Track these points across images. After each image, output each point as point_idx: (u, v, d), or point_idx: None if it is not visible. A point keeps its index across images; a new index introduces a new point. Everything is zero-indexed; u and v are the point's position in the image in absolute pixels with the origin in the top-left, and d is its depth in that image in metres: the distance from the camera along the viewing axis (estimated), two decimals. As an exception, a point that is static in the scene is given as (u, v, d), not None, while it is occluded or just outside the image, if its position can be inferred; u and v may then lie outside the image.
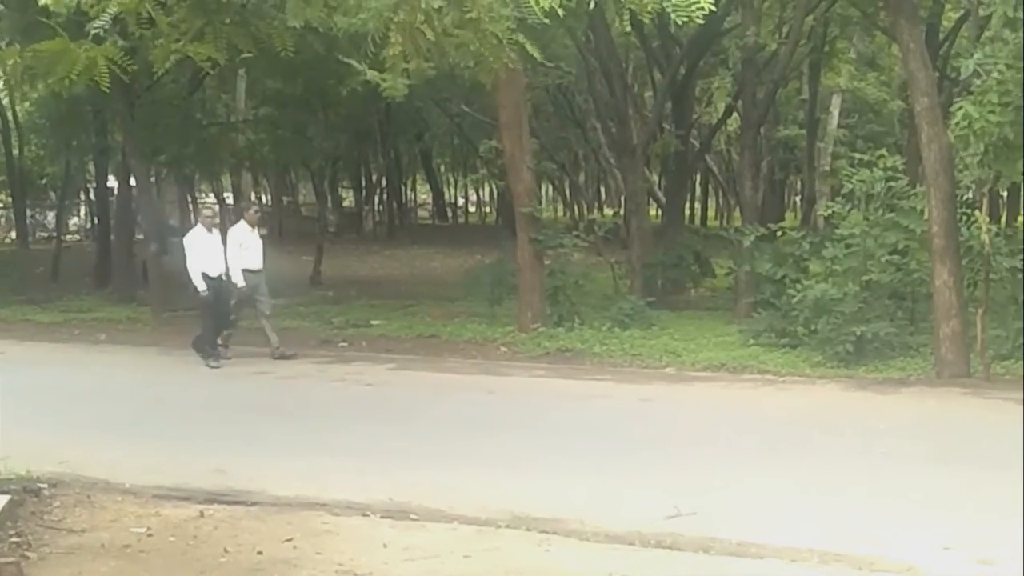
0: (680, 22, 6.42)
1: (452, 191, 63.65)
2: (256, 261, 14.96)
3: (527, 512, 7.59)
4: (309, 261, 26.34)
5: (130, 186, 23.44)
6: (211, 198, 43.23)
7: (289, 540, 7.02)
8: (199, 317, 14.91)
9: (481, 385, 13.20)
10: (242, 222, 15.44)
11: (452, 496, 8.01)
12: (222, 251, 14.59)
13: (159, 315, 19.06)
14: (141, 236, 23.58)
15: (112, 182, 27.02)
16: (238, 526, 7.38)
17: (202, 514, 7.63)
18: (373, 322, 18.52)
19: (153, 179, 24.67)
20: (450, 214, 58.81)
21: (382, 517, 7.61)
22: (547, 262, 17.60)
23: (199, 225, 15.04)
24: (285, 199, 48.34)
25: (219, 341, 14.74)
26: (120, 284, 22.57)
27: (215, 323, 14.63)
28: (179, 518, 7.56)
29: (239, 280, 14.64)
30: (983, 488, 8.20)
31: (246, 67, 21.57)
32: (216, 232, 14.78)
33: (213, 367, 14.18)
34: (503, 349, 16.01)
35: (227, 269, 14.60)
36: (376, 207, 51.02)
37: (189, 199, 39.16)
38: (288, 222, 42.83)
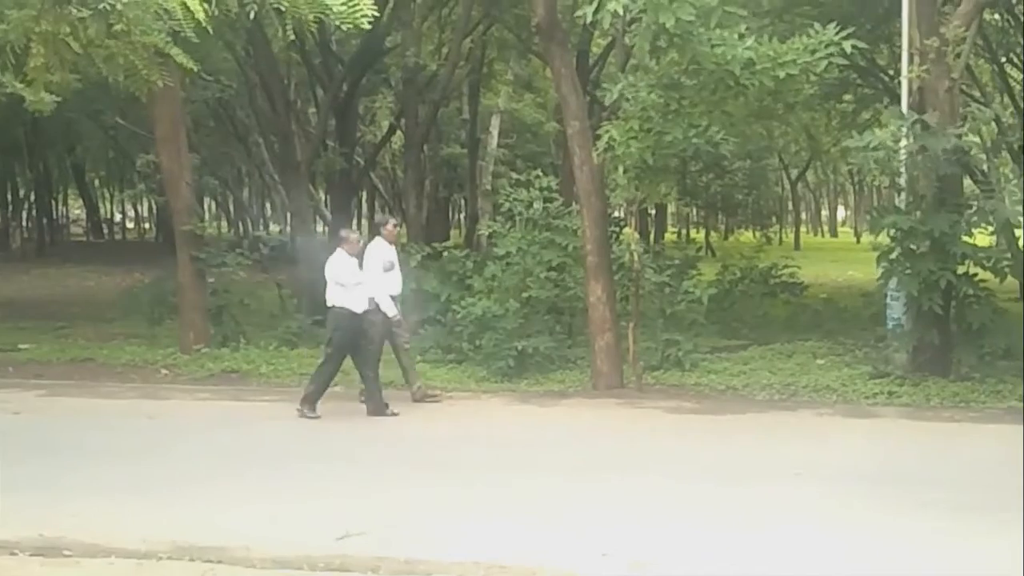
0: (345, 29, 6.45)
1: (108, 206, 61.00)
2: (396, 286, 12.63)
3: (190, 541, 7.32)
4: (-53, 282, 24.56)
5: None
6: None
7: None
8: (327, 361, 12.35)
9: (141, 410, 12.68)
10: (378, 239, 12.82)
11: (109, 528, 7.62)
12: (366, 281, 12.20)
13: None
14: None
15: None
16: None
17: None
18: (21, 346, 17.43)
19: None
20: (106, 230, 56.33)
21: (32, 555, 7.13)
22: (210, 280, 17.15)
23: (339, 251, 12.23)
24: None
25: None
26: None
27: (335, 370, 12.36)
28: None
29: (390, 309, 12.26)
30: (636, 494, 8.65)
31: None
32: (355, 259, 12.25)
33: (313, 417, 11.89)
34: (164, 372, 15.47)
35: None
36: (24, 223, 48.18)
37: None
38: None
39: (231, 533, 7.51)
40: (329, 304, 12.17)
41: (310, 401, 12.06)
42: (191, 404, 13.27)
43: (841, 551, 7.13)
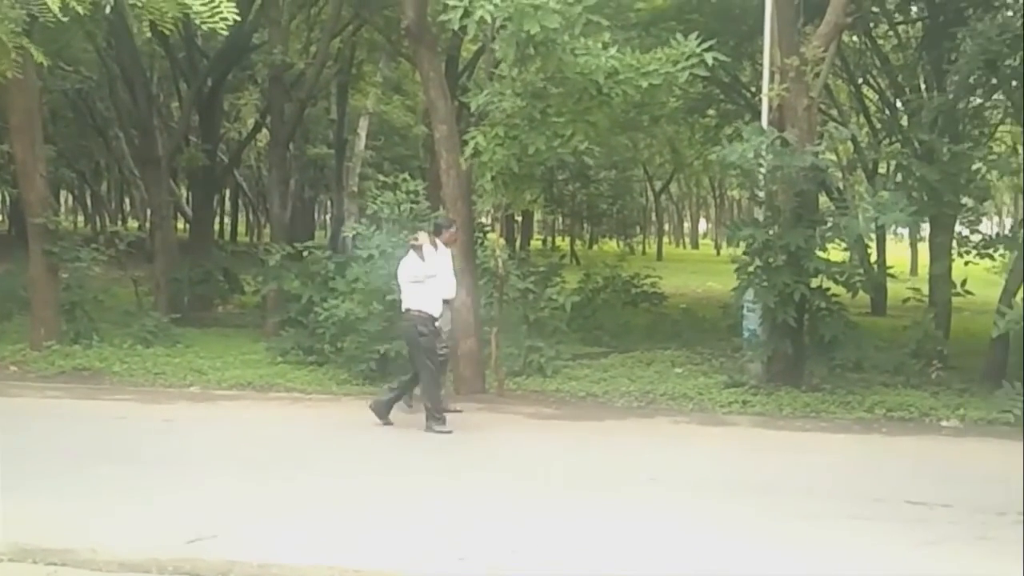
0: (206, 29, 6.33)
1: (-43, 197, 58.75)
2: (450, 291, 12.09)
3: (34, 543, 7.09)
4: None
5: None
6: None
7: None
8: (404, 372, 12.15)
9: (-14, 408, 12.24)
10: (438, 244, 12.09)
11: (-53, 531, 7.34)
12: (435, 284, 11.67)
13: None
14: None
15: None
16: None
17: None
18: None
19: None
20: (-45, 222, 54.20)
21: None
22: (64, 275, 16.67)
23: (412, 253, 11.77)
24: None
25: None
26: None
27: (435, 374, 11.80)
28: None
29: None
30: (494, 498, 8.70)
31: None
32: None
33: (444, 432, 11.35)
34: (13, 368, 15.00)
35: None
36: None
37: None
38: None
39: (77, 535, 7.31)
40: (404, 308, 11.79)
41: (435, 416, 11.53)
42: (40, 402, 12.86)
43: (693, 553, 7.26)
